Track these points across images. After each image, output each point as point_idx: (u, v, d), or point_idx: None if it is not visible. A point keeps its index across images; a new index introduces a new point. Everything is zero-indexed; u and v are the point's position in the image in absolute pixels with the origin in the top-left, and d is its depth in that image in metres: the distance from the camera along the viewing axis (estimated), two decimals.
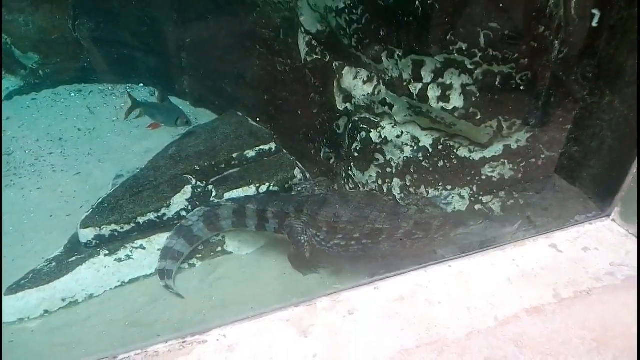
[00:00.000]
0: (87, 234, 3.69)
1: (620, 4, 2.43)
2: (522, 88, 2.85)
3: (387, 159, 3.64)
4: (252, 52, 4.63)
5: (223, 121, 4.99)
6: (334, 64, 3.74)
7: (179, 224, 3.76)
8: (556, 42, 2.65)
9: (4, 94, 6.47)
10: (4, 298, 3.30)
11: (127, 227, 3.75)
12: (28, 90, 6.79)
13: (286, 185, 4.16)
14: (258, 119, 4.85)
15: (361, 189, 3.89)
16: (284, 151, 4.55)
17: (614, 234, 2.59)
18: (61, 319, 3.40)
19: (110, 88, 7.05)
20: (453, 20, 2.81)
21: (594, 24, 2.52)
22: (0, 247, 3.82)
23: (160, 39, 6.14)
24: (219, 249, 3.82)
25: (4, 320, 3.25)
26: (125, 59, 6.95)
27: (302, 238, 3.42)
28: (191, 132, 4.83)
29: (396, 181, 3.64)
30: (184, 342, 1.95)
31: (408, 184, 3.58)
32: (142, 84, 7.04)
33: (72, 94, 6.92)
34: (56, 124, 6.02)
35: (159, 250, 3.68)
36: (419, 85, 3.15)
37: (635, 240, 2.50)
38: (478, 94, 2.96)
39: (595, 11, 2.49)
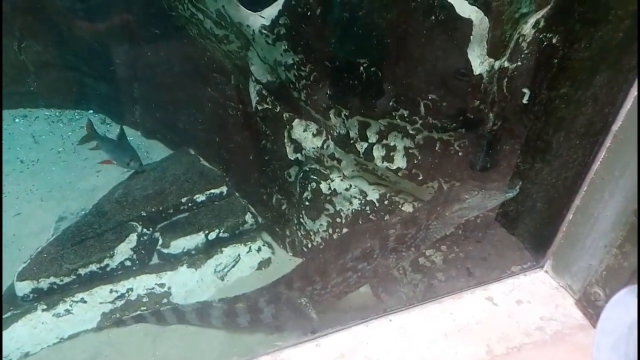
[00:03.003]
0: (23, 287, 3.54)
1: (547, 85, 2.59)
2: (460, 154, 2.97)
3: (337, 209, 3.69)
4: (204, 93, 4.60)
5: (174, 160, 4.91)
6: (284, 115, 3.77)
7: None
8: (491, 115, 2.78)
9: None
10: None
11: (67, 280, 3.61)
12: None
13: (236, 231, 4.13)
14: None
15: (313, 237, 3.92)
16: (236, 194, 4.53)
17: (546, 286, 2.71)
18: None
19: (57, 114, 6.83)
20: (395, 88, 2.91)
21: (524, 101, 2.67)
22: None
23: (112, 66, 5.99)
24: (165, 300, 3.73)
25: None
26: (74, 84, 6.75)
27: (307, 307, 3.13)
28: (141, 171, 4.72)
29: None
30: None
31: None
32: (91, 111, 6.85)
33: (17, 120, 6.66)
34: None
35: (100, 303, 3.57)
36: (365, 145, 3.23)
37: (565, 293, 2.65)
38: (419, 157, 3.06)
39: (525, 90, 2.64)
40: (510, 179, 2.92)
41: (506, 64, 2.62)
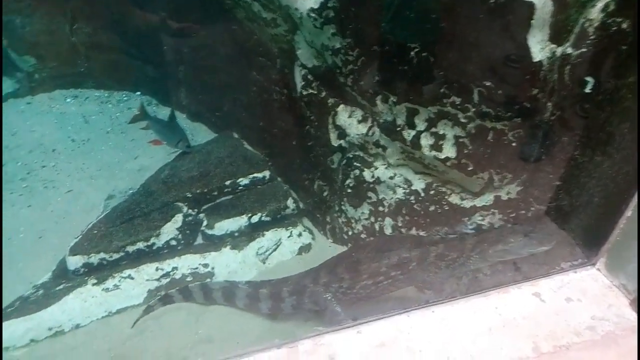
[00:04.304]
0: (75, 262, 3.69)
1: (613, 74, 2.43)
2: (514, 144, 2.85)
3: (380, 198, 3.64)
4: (249, 77, 4.61)
5: (218, 143, 4.96)
6: (329, 100, 3.73)
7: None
8: (549, 104, 2.65)
9: None
10: None
11: (115, 256, 3.73)
12: (24, 93, 6.77)
13: (278, 216, 4.16)
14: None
15: (353, 225, 3.90)
16: (279, 179, 4.54)
17: (598, 284, 2.59)
18: (47, 348, 3.39)
19: (106, 95, 7.01)
20: (447, 74, 2.81)
21: (587, 91, 2.53)
22: (0, 255, 3.85)
23: (159, 49, 6.09)
24: (208, 280, 3.81)
25: None
26: (123, 66, 6.91)
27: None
28: (186, 153, 4.81)
29: (388, 220, 3.64)
30: None
31: (400, 225, 3.58)
32: (139, 93, 7.00)
33: (68, 100, 6.88)
34: (50, 133, 5.98)
35: (147, 280, 3.68)
36: (412, 132, 3.15)
37: (618, 292, 2.51)
38: (470, 147, 2.96)
39: (588, 78, 2.49)
40: (546, 235, 2.88)
41: (569, 50, 2.48)
